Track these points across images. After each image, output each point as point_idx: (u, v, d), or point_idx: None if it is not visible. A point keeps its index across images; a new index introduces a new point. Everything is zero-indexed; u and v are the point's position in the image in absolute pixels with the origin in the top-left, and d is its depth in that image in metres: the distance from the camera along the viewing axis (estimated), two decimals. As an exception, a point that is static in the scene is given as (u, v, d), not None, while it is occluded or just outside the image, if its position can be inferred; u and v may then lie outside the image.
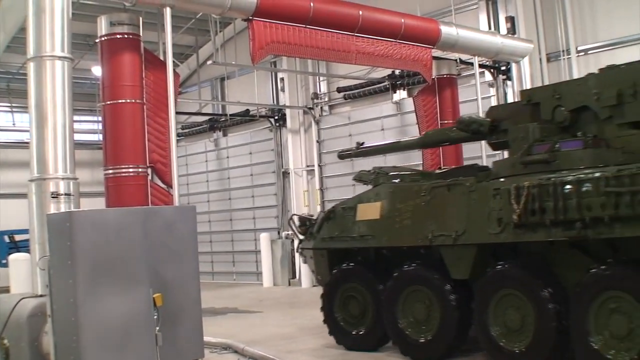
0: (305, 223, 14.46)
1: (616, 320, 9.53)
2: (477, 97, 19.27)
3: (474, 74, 20.25)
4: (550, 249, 10.68)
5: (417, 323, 12.07)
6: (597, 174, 9.69)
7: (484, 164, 18.11)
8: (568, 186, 9.88)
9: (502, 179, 11.02)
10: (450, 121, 19.40)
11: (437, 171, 14.37)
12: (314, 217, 14.33)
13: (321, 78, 28.79)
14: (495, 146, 13.13)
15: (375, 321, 12.75)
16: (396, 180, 13.13)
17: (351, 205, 13.17)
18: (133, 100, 13.55)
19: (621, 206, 9.30)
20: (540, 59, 21.86)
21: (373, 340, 12.92)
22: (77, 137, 12.60)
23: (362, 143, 16.27)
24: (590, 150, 10.63)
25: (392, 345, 12.70)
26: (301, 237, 14.64)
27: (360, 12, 16.02)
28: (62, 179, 11.50)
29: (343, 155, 16.93)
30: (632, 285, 9.40)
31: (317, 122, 28.67)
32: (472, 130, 12.88)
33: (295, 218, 14.86)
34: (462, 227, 11.24)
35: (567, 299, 10.17)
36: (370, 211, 12.61)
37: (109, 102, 13.65)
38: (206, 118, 32.36)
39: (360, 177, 14.09)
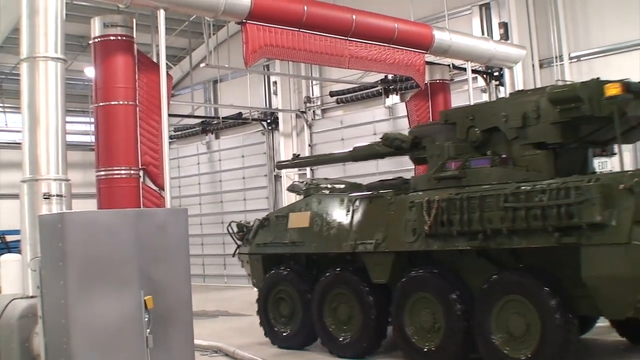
0: (243, 229, 15.43)
1: (514, 321, 10.68)
2: (470, 103, 19.28)
3: (466, 80, 20.31)
4: (459, 257, 11.76)
5: (341, 323, 13.19)
6: (497, 191, 10.82)
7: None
8: (472, 201, 10.96)
9: (419, 193, 12.17)
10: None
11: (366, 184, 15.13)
12: (251, 224, 15.03)
13: (314, 82, 28.82)
14: (416, 161, 14.29)
15: (303, 322, 13.82)
16: (326, 192, 14.29)
17: (284, 214, 14.35)
18: (126, 102, 13.54)
19: (517, 220, 10.43)
20: (533, 65, 21.91)
21: (301, 340, 14.01)
22: (69, 138, 12.56)
23: (298, 155, 18.37)
24: (497, 168, 11.78)
25: (321, 344, 13.69)
26: (239, 242, 15.57)
27: (354, 17, 16.04)
28: (54, 180, 11.48)
29: (280, 166, 18.77)
30: (528, 290, 10.55)
31: (310, 126, 28.70)
32: (395, 146, 14.05)
33: (234, 225, 15.62)
34: (382, 236, 12.33)
35: (474, 302, 11.31)
36: (300, 220, 13.67)
37: (101, 104, 13.63)
38: (198, 121, 32.33)
39: (293, 188, 15.64)
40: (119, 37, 13.67)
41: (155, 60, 15.02)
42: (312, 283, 13.75)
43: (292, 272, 14.15)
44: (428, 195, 11.70)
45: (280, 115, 29.27)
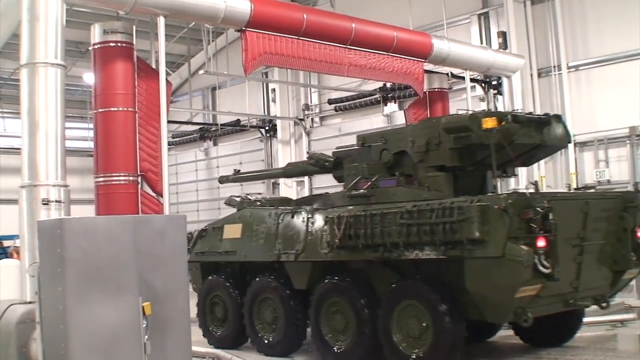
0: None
1: (411, 323, 11.85)
2: (468, 112, 19.30)
3: (465, 88, 20.34)
4: (368, 266, 12.94)
5: (267, 325, 14.40)
6: (395, 209, 11.97)
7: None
8: (375, 217, 12.13)
9: (335, 209, 13.26)
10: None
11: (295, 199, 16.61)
12: (192, 233, 15.76)
13: (312, 89, 28.87)
14: (338, 180, 15.23)
15: (235, 324, 15.00)
16: (258, 205, 15.45)
17: (219, 225, 15.38)
18: (125, 109, 13.52)
19: (411, 234, 11.61)
20: (532, 74, 21.99)
21: (232, 340, 15.15)
22: (67, 144, 12.55)
23: (239, 170, 19.53)
24: (402, 187, 12.95)
25: (250, 344, 14.88)
26: None
27: (353, 25, 16.06)
28: (53, 185, 11.52)
29: (222, 180, 19.82)
30: (423, 297, 11.73)
31: (308, 133, 28.75)
32: (320, 165, 15.48)
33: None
34: (301, 247, 13.48)
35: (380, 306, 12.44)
36: (233, 231, 14.69)
37: (101, 110, 13.62)
38: (197, 127, 32.38)
39: (229, 202, 16.55)
40: (119, 44, 13.66)
41: (154, 66, 15.03)
42: (243, 289, 14.86)
43: (226, 278, 15.34)
44: (339, 211, 12.89)
45: (278, 122, 29.31)
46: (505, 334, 14.74)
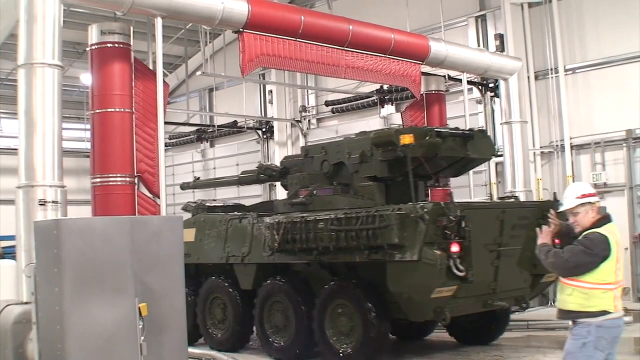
0: None
1: (342, 320, 12.99)
2: (465, 114, 19.32)
3: (462, 91, 20.32)
4: (307, 268, 14.01)
5: (218, 322, 15.47)
6: (326, 216, 13.02)
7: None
8: (309, 224, 13.13)
9: (279, 215, 14.33)
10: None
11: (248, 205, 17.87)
12: None
13: (309, 91, 28.89)
14: (285, 188, 16.50)
15: (189, 322, 15.66)
16: (212, 210, 16.74)
17: None
18: (122, 110, 13.51)
19: (340, 240, 12.64)
20: (529, 77, 22.00)
21: (188, 337, 16.15)
22: (64, 144, 12.58)
23: (198, 178, 21.31)
24: (337, 196, 14.13)
25: (203, 340, 15.73)
26: None
27: (351, 27, 16.06)
28: (50, 186, 11.53)
29: (183, 187, 20.98)
30: (352, 296, 12.86)
31: (305, 135, 28.75)
32: (268, 174, 17.00)
33: None
34: (247, 250, 14.59)
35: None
36: (188, 235, 14.75)
37: (98, 111, 13.60)
38: (194, 128, 32.35)
39: (186, 207, 17.83)
40: (116, 45, 13.64)
41: (151, 67, 15.04)
42: (197, 289, 15.84)
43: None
44: (279, 217, 14.01)
45: (275, 124, 29.31)
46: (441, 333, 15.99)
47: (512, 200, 15.32)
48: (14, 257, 11.98)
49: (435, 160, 13.82)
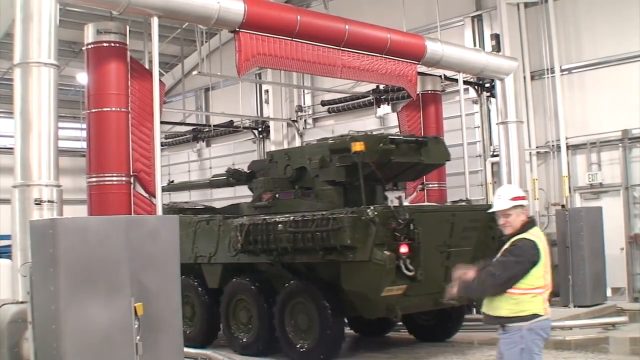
0: None
1: (301, 317, 13.76)
2: (461, 114, 19.33)
3: (458, 91, 20.33)
4: (270, 267, 14.67)
5: (187, 319, 15.51)
6: (285, 219, 13.79)
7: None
8: (269, 226, 13.93)
9: (244, 217, 15.11)
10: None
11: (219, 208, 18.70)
12: None
13: (305, 91, 28.90)
14: (252, 191, 16.99)
15: None
16: (183, 212, 17.43)
17: None
18: (118, 109, 13.46)
19: (297, 241, 13.42)
20: (525, 77, 22.03)
21: None
22: (60, 144, 12.55)
23: (172, 181, 22.31)
24: (298, 199, 15.02)
25: None
26: None
27: (347, 27, 16.04)
28: (46, 185, 11.51)
29: None
30: (310, 295, 13.61)
31: (301, 135, 28.77)
32: (236, 178, 17.87)
33: None
34: (213, 250, 15.38)
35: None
36: None
37: (94, 110, 13.56)
38: (190, 128, 32.36)
39: None
40: (112, 44, 13.60)
41: (148, 67, 15.01)
42: None
43: None
44: (243, 219, 14.78)
45: (271, 123, 29.32)
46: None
47: (463, 204, 15.64)
48: (9, 257, 11.95)
49: (390, 165, 14.56)
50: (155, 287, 8.88)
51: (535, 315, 7.41)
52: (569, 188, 21.18)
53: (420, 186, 19.39)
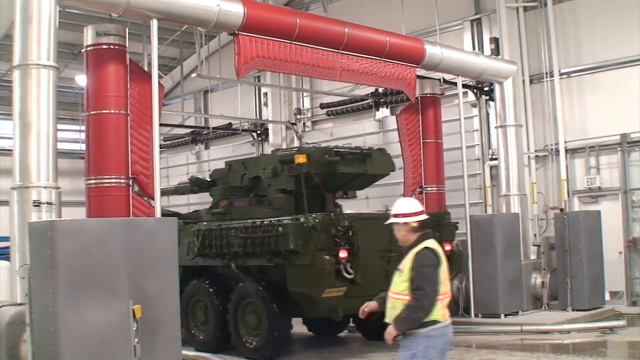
0: None
1: (251, 316, 14.76)
2: (460, 117, 19.31)
3: (457, 94, 20.32)
4: (225, 270, 15.44)
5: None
6: (236, 225, 14.90)
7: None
8: (223, 231, 14.95)
9: (203, 223, 16.11)
10: (433, 140, 19.51)
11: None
12: None
13: (304, 94, 28.88)
14: (213, 197, 18.08)
15: None
16: None
17: None
18: (117, 111, 13.44)
19: (247, 246, 14.49)
20: (524, 81, 22.02)
21: None
22: (59, 145, 12.54)
23: None
24: (252, 206, 16.16)
25: None
26: None
27: (346, 30, 16.04)
28: (45, 187, 11.50)
29: None
30: (259, 296, 14.57)
31: (300, 138, 28.75)
32: (198, 185, 19.02)
33: None
34: None
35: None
36: None
37: (92, 112, 13.53)
38: (188, 130, 32.33)
39: None
40: (112, 46, 13.59)
41: (147, 69, 15.00)
42: None
43: None
44: (200, 225, 15.85)
45: (270, 126, 29.31)
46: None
47: None
48: (8, 258, 11.95)
49: (336, 176, 15.70)
50: (154, 289, 8.90)
51: (434, 322, 7.55)
52: (568, 192, 21.16)
53: (418, 189, 19.34)
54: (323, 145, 17.42)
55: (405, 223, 7.91)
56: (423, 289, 7.50)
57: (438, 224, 16.02)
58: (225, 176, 17.63)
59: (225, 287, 15.63)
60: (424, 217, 7.98)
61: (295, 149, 16.57)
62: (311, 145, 17.23)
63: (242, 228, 14.71)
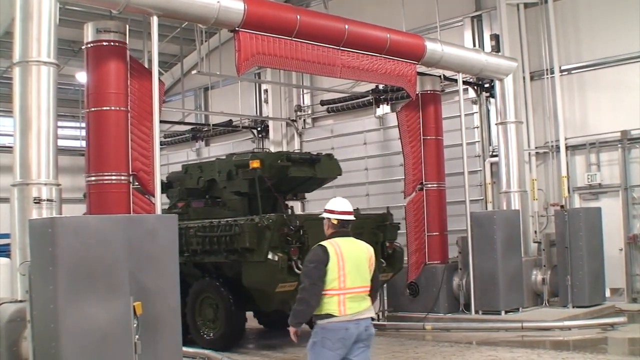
0: None
1: (209, 310, 15.87)
2: (461, 114, 19.30)
3: (457, 91, 20.31)
4: (185, 267, 15.36)
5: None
6: (195, 224, 15.93)
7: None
8: (181, 230, 14.72)
9: None
10: (433, 137, 19.51)
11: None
12: None
13: (305, 90, 28.87)
14: (169, 199, 18.98)
15: None
16: None
17: None
18: (117, 108, 13.44)
19: (205, 244, 15.56)
20: (524, 78, 22.02)
21: None
22: (59, 142, 12.53)
23: None
24: (209, 208, 17.37)
25: None
26: None
27: (347, 26, 16.04)
28: (45, 184, 11.50)
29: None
30: (215, 291, 15.72)
31: (300, 135, 28.75)
32: None
33: None
34: None
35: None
36: None
37: (93, 109, 13.54)
38: (189, 127, 32.32)
39: None
40: (112, 43, 13.58)
41: (147, 66, 15.00)
42: None
43: None
44: None
45: (270, 123, 29.30)
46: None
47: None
48: (8, 255, 11.95)
49: (288, 179, 17.10)
50: (154, 286, 8.88)
51: (328, 315, 7.96)
52: (568, 188, 21.17)
53: (419, 186, 19.34)
54: (277, 150, 18.90)
55: (328, 219, 8.47)
56: (302, 283, 8.07)
57: (381, 224, 16.95)
58: (182, 179, 18.67)
59: (184, 282, 15.77)
60: (345, 217, 8.47)
61: (250, 154, 17.86)
62: (265, 151, 18.91)
63: (201, 227, 15.75)
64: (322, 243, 8.21)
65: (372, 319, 8.29)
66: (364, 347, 8.10)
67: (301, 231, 15.00)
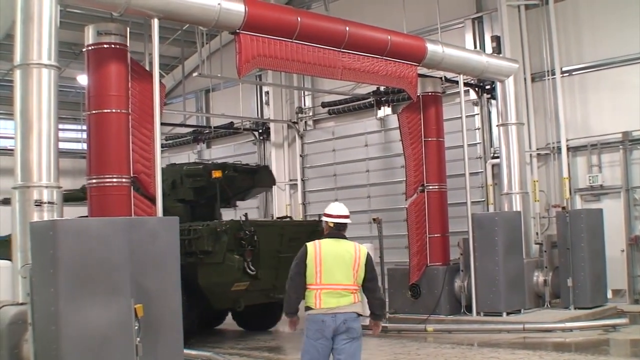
0: None
1: None
2: (462, 116, 19.28)
3: (458, 92, 20.29)
4: None
5: None
6: None
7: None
8: None
9: None
10: (434, 138, 19.50)
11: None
12: None
13: (306, 92, 28.88)
14: None
15: None
16: None
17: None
18: (118, 110, 13.45)
19: None
20: (525, 79, 22.01)
21: None
22: (60, 145, 12.54)
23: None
24: None
25: None
26: None
27: (347, 28, 16.04)
28: (46, 187, 11.50)
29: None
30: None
31: (301, 137, 28.77)
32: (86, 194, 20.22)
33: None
34: None
35: None
36: None
37: (94, 112, 13.54)
38: (190, 130, 32.33)
39: None
40: (113, 45, 13.59)
41: (148, 68, 15.00)
42: None
43: None
44: None
45: (272, 125, 29.32)
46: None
47: (287, 220, 20.44)
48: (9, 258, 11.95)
49: (233, 188, 18.91)
50: (155, 288, 8.87)
51: (309, 308, 8.75)
52: (570, 190, 21.18)
53: (420, 188, 19.33)
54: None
55: (326, 222, 9.15)
56: (290, 275, 8.98)
57: (315, 230, 17.36)
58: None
59: None
60: (339, 220, 9.09)
61: (202, 165, 19.67)
62: (209, 162, 20.99)
63: None
64: (309, 243, 8.92)
65: (359, 314, 8.77)
66: (347, 339, 8.64)
67: (255, 236, 16.40)
